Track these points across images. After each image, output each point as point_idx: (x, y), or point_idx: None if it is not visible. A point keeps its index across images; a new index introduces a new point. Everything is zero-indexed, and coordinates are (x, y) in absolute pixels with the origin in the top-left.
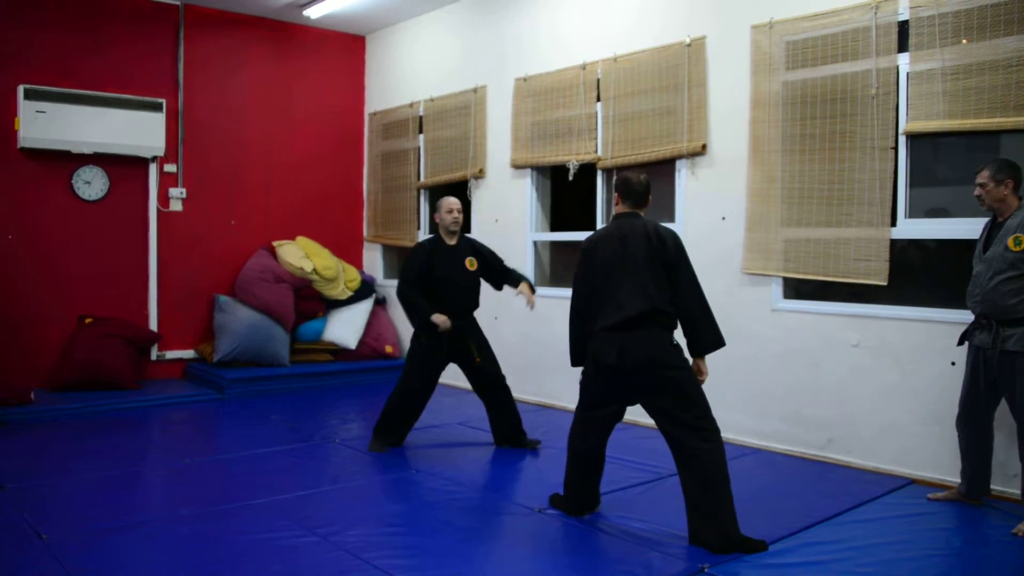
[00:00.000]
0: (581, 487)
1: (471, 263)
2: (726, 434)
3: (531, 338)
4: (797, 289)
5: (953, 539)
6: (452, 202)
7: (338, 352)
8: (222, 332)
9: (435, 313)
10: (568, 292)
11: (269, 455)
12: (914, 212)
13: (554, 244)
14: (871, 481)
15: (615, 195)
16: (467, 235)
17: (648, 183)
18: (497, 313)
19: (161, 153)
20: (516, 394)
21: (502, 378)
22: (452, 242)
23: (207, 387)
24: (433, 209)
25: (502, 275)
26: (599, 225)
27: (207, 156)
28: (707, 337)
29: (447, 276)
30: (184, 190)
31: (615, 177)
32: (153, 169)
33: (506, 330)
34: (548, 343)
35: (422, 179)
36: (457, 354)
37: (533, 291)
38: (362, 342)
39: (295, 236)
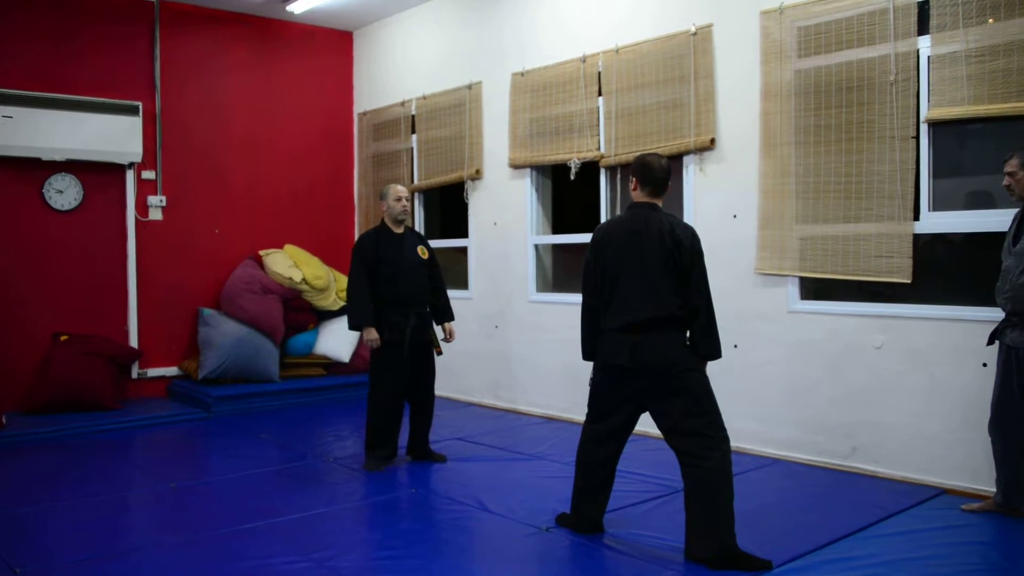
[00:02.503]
0: (590, 504)
1: (422, 251)
2: (740, 444)
3: (535, 347)
4: (815, 289)
5: (990, 554)
6: (400, 190)
7: (331, 366)
8: (207, 347)
9: (372, 324)
10: (573, 298)
11: (260, 476)
12: (938, 205)
13: (556, 247)
14: (900, 492)
15: (632, 179)
16: (412, 227)
17: (669, 168)
18: (498, 322)
19: (138, 159)
20: (519, 406)
21: (433, 389)
22: (399, 231)
23: (192, 406)
24: (380, 197)
25: (435, 292)
26: None
27: (188, 162)
28: (704, 347)
29: (397, 263)
30: (164, 198)
31: (633, 161)
32: (130, 176)
33: (507, 339)
34: (553, 352)
35: (416, 181)
36: (417, 348)
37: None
38: (356, 355)
39: (283, 244)
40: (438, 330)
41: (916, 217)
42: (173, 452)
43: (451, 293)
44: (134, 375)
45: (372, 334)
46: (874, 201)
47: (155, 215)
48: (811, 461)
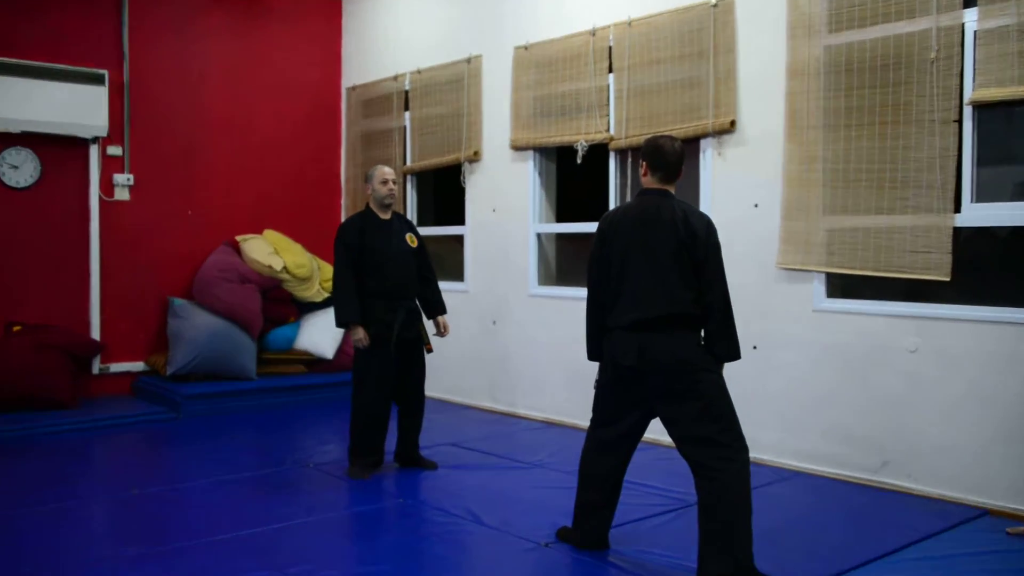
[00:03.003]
0: (594, 518)
1: (411, 239)
2: (760, 454)
3: (536, 346)
4: (842, 287)
5: None
6: (387, 172)
7: (313, 363)
8: (177, 341)
9: (360, 322)
10: (578, 292)
11: (232, 483)
12: (982, 195)
13: (560, 237)
14: (936, 511)
15: (642, 164)
16: (400, 213)
17: (683, 152)
18: (496, 317)
19: (104, 133)
20: (518, 409)
21: (423, 390)
22: (386, 216)
23: (159, 405)
24: (365, 180)
25: (425, 283)
26: None
27: (158, 137)
28: (720, 347)
29: (384, 252)
30: (131, 176)
31: (644, 144)
32: (94, 152)
33: (506, 336)
34: (555, 351)
35: (409, 163)
36: (405, 344)
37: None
38: (341, 351)
39: (262, 229)
40: (429, 325)
41: (957, 209)
42: (137, 456)
43: (445, 286)
44: (95, 370)
45: (360, 333)
46: (910, 191)
47: (121, 195)
48: (837, 475)
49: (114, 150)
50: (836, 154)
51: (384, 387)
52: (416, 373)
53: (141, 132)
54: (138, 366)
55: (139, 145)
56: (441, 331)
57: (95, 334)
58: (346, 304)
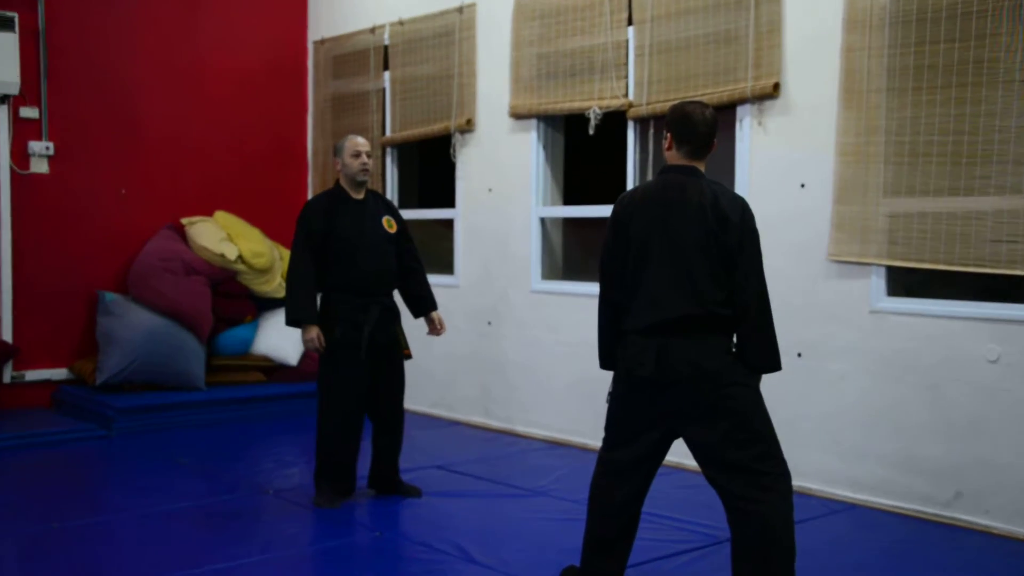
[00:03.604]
0: (605, 556)
1: (390, 223)
2: (806, 482)
3: (538, 351)
4: (907, 283)
5: None
6: (359, 143)
7: (273, 370)
8: (109, 343)
9: (314, 322)
10: (588, 288)
11: (174, 514)
12: None
13: (568, 222)
14: (1018, 553)
15: (666, 135)
16: (377, 191)
17: (716, 121)
18: (492, 318)
19: (15, 91)
20: (517, 426)
21: (402, 404)
22: (359, 196)
23: (87, 420)
24: (334, 152)
25: (409, 275)
26: None
27: (84, 97)
28: (756, 355)
29: (356, 238)
30: (51, 144)
31: (669, 112)
32: (3, 114)
33: (504, 340)
34: (561, 357)
35: (388, 133)
36: (379, 349)
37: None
38: (306, 356)
39: (212, 211)
40: (409, 327)
41: None
42: (58, 482)
43: (433, 279)
44: (6, 379)
45: (312, 333)
46: (993, 168)
47: (39, 167)
48: (898, 508)
49: (28, 112)
50: (902, 123)
51: (355, 400)
52: (392, 383)
53: (62, 91)
54: (60, 374)
55: (60, 107)
56: (436, 328)
57: (6, 335)
58: (299, 299)
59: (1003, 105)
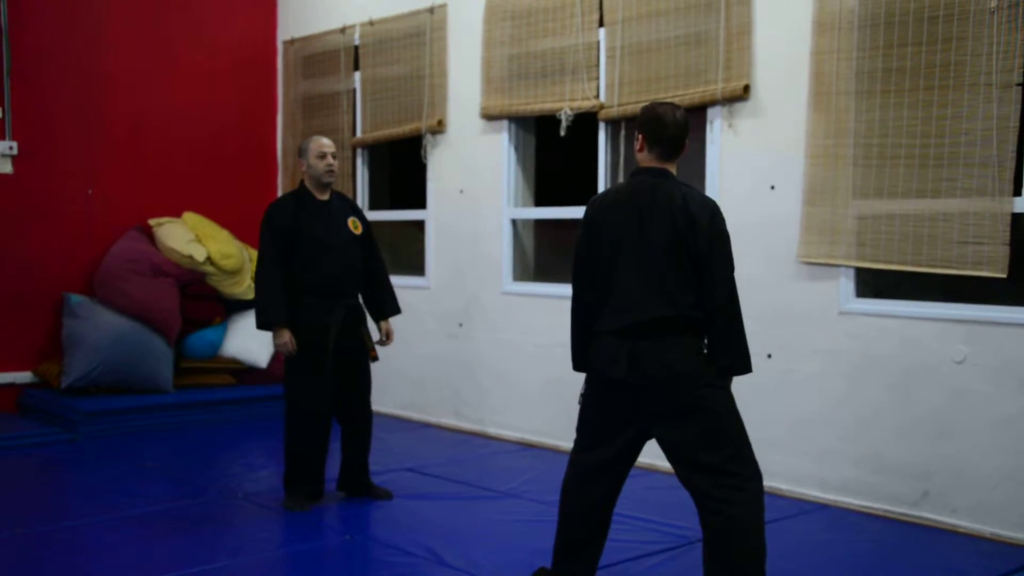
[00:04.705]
0: (576, 558)
1: (355, 225)
2: (776, 483)
3: (510, 352)
4: (876, 284)
5: None
6: (325, 144)
7: (242, 372)
8: (75, 346)
9: (286, 324)
10: (560, 290)
11: (141, 519)
12: None
13: (540, 224)
14: (985, 552)
15: (637, 137)
16: (341, 192)
17: (687, 123)
18: (463, 319)
19: None
20: (488, 428)
21: (370, 405)
22: (324, 197)
23: (52, 424)
24: (299, 153)
25: (373, 278)
26: None
27: (50, 95)
28: (726, 356)
29: (321, 240)
30: (14, 144)
31: (641, 113)
32: None
33: (475, 341)
34: (533, 359)
35: (359, 133)
36: (345, 352)
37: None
38: (275, 358)
39: (181, 212)
40: (374, 329)
41: (1017, 192)
42: (22, 487)
43: (402, 281)
44: None
45: (285, 337)
46: (960, 170)
47: (2, 167)
48: (867, 508)
49: None
50: (871, 125)
51: (322, 403)
52: (359, 384)
53: (27, 89)
54: (24, 377)
55: (24, 105)
56: (384, 339)
57: None
58: (269, 301)
59: (970, 108)
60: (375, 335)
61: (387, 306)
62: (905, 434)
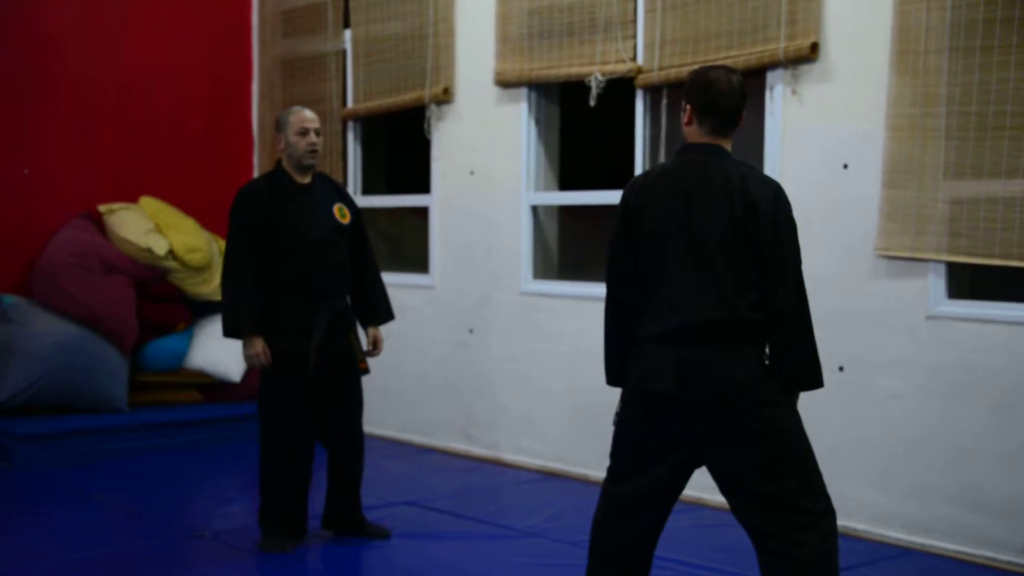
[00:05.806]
0: None
1: (342, 212)
2: (850, 521)
3: (531, 365)
4: (973, 283)
5: None
6: (307, 117)
7: (211, 388)
8: (9, 357)
9: (257, 331)
10: (590, 289)
11: (89, 564)
12: None
13: (566, 211)
14: None
15: (684, 108)
16: (326, 174)
17: (744, 90)
18: (474, 324)
19: None
20: (504, 454)
21: (361, 426)
22: (305, 180)
23: None
24: (277, 127)
25: (362, 275)
26: None
27: None
28: (793, 369)
29: (302, 230)
30: None
31: (688, 79)
32: None
33: (488, 351)
34: (557, 372)
35: (350, 104)
36: (330, 362)
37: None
38: (250, 371)
39: (137, 197)
40: (363, 336)
41: None
42: None
43: (403, 280)
44: None
45: (256, 347)
46: None
47: None
48: (963, 555)
49: None
50: (967, 91)
51: (303, 423)
52: (348, 402)
53: None
54: None
55: None
56: (372, 348)
57: None
58: (237, 304)
59: None
60: (364, 343)
61: (378, 310)
62: (1011, 464)
